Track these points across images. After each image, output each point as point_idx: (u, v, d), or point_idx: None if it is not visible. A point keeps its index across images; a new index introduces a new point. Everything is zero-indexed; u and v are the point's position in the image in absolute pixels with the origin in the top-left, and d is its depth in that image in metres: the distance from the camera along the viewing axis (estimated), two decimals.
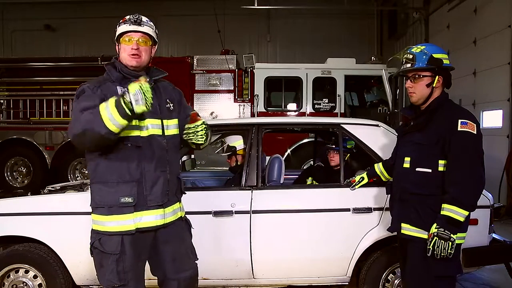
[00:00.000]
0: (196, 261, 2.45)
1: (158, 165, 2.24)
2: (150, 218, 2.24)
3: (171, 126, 2.35)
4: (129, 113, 1.98)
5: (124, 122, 2.00)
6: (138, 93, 1.97)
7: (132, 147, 2.18)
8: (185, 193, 2.50)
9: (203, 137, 2.34)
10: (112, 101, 2.00)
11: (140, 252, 2.26)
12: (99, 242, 2.20)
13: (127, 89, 2.00)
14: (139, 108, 1.98)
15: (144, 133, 2.21)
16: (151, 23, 2.31)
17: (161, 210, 2.27)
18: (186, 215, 2.49)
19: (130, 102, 1.97)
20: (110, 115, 1.97)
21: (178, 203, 2.41)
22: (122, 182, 2.18)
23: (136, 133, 2.19)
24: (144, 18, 2.29)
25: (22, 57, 9.50)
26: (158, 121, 2.27)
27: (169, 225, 2.33)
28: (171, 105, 2.38)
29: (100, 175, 2.21)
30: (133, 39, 2.23)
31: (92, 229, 2.28)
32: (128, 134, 2.16)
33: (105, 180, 2.20)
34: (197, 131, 2.32)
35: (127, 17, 2.27)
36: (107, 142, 2.08)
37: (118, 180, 2.18)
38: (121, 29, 2.25)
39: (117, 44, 2.30)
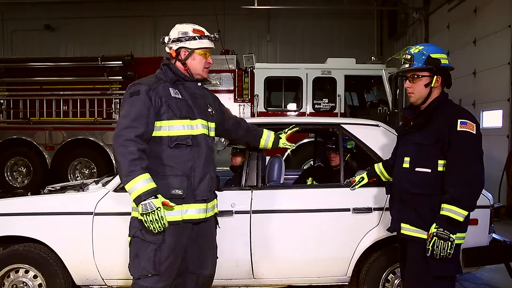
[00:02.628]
0: (216, 260, 2.61)
1: (206, 162, 2.42)
2: (194, 211, 2.38)
3: (212, 129, 2.57)
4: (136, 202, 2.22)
5: (132, 197, 2.22)
6: (152, 206, 2.18)
7: (183, 145, 2.35)
8: (221, 190, 2.74)
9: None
10: (145, 188, 2.18)
11: (179, 246, 2.36)
12: (141, 232, 2.29)
13: (156, 197, 2.21)
14: (139, 208, 2.20)
15: (195, 132, 2.40)
16: None
17: (204, 205, 2.43)
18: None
19: (145, 201, 2.19)
20: (134, 189, 2.18)
21: (215, 199, 2.59)
22: (173, 176, 2.33)
23: (187, 132, 2.36)
24: None
25: (22, 57, 9.47)
26: (206, 122, 2.48)
27: (208, 220, 2.47)
28: (211, 110, 2.60)
29: (152, 168, 2.29)
30: (208, 54, 2.48)
31: (135, 219, 2.35)
32: (179, 133, 2.34)
33: (156, 173, 2.30)
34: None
35: (206, 32, 2.48)
36: None
37: (169, 174, 2.33)
38: (205, 43, 2.45)
39: (185, 51, 2.43)
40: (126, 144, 2.21)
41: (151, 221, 2.17)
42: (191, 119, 2.39)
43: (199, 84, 2.55)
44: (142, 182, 2.18)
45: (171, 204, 2.25)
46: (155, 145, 2.33)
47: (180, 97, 2.40)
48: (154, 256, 2.27)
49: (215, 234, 2.63)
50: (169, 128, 2.33)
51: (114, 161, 2.57)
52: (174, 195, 2.31)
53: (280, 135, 3.10)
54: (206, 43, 2.45)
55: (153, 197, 2.19)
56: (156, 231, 2.21)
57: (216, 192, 2.63)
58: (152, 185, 2.21)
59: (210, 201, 2.49)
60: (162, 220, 2.18)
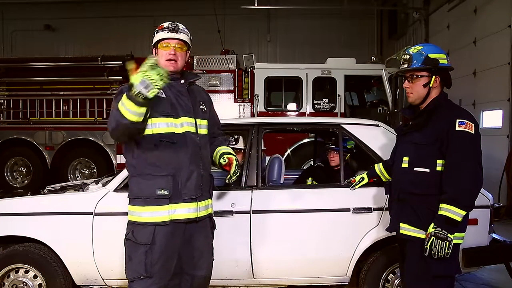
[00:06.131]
0: (212, 261, 2.56)
1: (192, 160, 2.37)
2: (183, 211, 2.35)
3: (203, 126, 2.50)
4: (143, 101, 2.01)
5: (142, 109, 2.05)
6: (143, 81, 1.96)
7: (167, 143, 2.31)
8: (216, 189, 2.64)
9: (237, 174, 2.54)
10: (124, 96, 2.07)
11: (172, 247, 2.34)
12: (132, 234, 2.30)
13: (131, 83, 1.99)
14: (151, 93, 1.98)
15: (179, 130, 2.35)
16: (187, 30, 2.45)
17: (195, 204, 2.39)
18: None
19: (140, 92, 1.97)
20: (127, 108, 2.05)
21: (209, 199, 2.53)
22: (159, 176, 2.30)
23: (171, 130, 2.33)
24: (181, 26, 2.43)
25: (22, 57, 9.48)
26: (192, 120, 2.42)
27: (200, 220, 2.43)
28: (204, 106, 2.55)
29: (139, 169, 2.33)
30: (170, 45, 2.38)
31: (128, 220, 2.38)
32: (163, 131, 2.30)
33: (143, 174, 2.32)
34: (236, 174, 2.51)
35: (165, 24, 2.40)
36: (138, 130, 2.22)
37: (154, 174, 2.31)
38: (159, 36, 2.39)
39: (154, 49, 2.45)
40: (110, 117, 2.16)
41: (151, 85, 1.96)
42: (174, 117, 2.35)
43: (182, 81, 2.46)
44: (122, 100, 2.06)
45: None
46: (140, 145, 2.31)
47: (164, 96, 2.36)
48: (145, 258, 2.27)
49: (211, 235, 2.58)
50: (152, 126, 2.29)
51: (128, 168, 2.45)
52: (159, 195, 2.29)
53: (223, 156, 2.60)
54: (160, 35, 2.39)
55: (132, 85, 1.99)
56: (161, 80, 1.98)
57: (213, 192, 2.57)
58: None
59: (202, 200, 2.43)
60: (152, 77, 1.95)
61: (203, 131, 2.49)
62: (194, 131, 2.41)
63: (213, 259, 2.57)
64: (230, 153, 2.56)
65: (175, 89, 2.42)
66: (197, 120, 2.44)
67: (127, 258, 2.33)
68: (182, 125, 2.36)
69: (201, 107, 2.52)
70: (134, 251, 2.30)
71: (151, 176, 2.31)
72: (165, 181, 2.30)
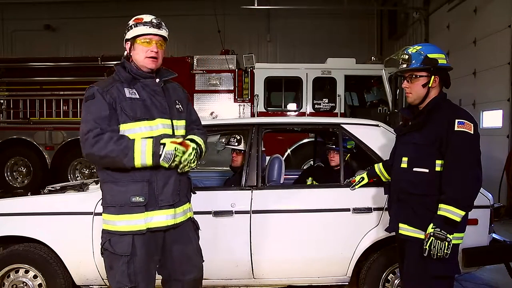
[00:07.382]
0: (202, 263, 2.44)
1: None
2: (161, 218, 2.23)
3: (180, 127, 2.36)
4: (156, 161, 2.13)
5: (150, 164, 2.14)
6: (171, 153, 2.13)
7: None
8: (195, 193, 2.50)
9: (194, 163, 2.29)
10: (150, 146, 2.12)
11: (151, 253, 2.25)
12: (109, 244, 2.19)
13: (164, 144, 2.13)
14: (163, 163, 2.14)
15: (154, 133, 2.21)
16: (165, 25, 2.32)
17: (172, 210, 2.27)
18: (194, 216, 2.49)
19: (159, 156, 2.12)
20: (143, 154, 2.11)
21: (188, 203, 2.41)
22: (133, 182, 2.18)
23: (145, 134, 2.19)
24: (162, 21, 2.30)
25: (22, 57, 9.49)
26: (168, 121, 2.28)
27: (178, 226, 2.32)
28: (180, 106, 2.40)
29: (112, 174, 2.20)
30: (152, 41, 2.23)
31: (102, 229, 2.27)
32: (139, 136, 2.16)
33: (116, 180, 2.19)
34: (190, 162, 2.25)
35: (145, 18, 2.25)
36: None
37: (128, 180, 2.18)
38: (139, 30, 2.22)
39: (128, 43, 2.27)
40: (98, 138, 2.09)
41: (180, 163, 2.17)
42: (149, 119, 2.20)
43: (158, 80, 2.31)
44: (142, 146, 2.11)
45: (179, 140, 2.18)
46: None
47: (138, 96, 2.22)
48: (127, 269, 2.16)
49: (196, 237, 2.45)
50: (123, 132, 2.16)
51: (99, 173, 2.31)
52: (135, 202, 2.16)
53: None
54: (141, 30, 2.21)
55: (162, 146, 2.12)
56: (194, 162, 2.22)
57: (192, 194, 2.46)
58: (149, 139, 2.14)
59: (179, 206, 2.31)
60: (187, 154, 2.17)
61: (180, 132, 2.35)
62: (171, 133, 2.27)
63: (203, 260, 2.45)
64: (192, 140, 2.32)
65: (150, 88, 2.28)
66: (173, 121, 2.30)
67: (108, 267, 2.23)
68: (157, 127, 2.22)
69: (177, 106, 2.36)
70: (114, 260, 2.19)
71: (124, 182, 2.17)
72: (140, 187, 2.17)
